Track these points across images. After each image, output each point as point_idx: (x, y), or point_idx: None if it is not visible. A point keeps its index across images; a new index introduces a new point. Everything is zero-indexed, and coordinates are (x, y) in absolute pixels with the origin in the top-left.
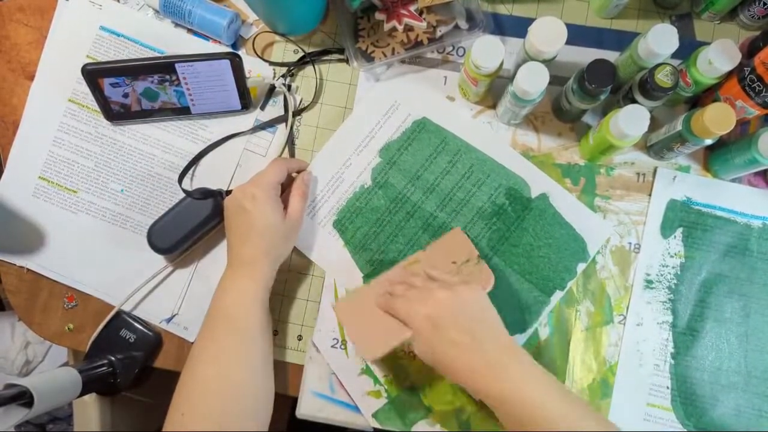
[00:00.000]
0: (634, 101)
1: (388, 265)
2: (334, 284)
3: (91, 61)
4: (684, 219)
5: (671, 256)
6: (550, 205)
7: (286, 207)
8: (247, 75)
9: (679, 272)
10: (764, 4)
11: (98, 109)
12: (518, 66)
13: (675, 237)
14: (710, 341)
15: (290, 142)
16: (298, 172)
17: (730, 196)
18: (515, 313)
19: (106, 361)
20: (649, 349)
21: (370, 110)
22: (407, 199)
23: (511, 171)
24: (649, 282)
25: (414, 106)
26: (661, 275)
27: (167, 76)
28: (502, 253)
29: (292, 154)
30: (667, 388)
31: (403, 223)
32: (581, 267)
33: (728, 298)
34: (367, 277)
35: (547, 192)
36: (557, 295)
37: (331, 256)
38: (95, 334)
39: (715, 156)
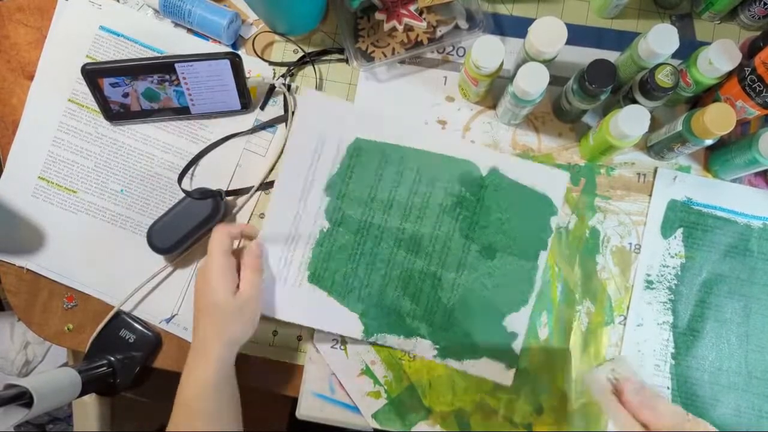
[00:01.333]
0: (634, 101)
1: (376, 296)
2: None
3: (90, 61)
4: (684, 219)
5: (672, 257)
6: (503, 177)
7: None
8: (247, 75)
9: (679, 272)
10: (764, 4)
11: (98, 109)
12: (518, 66)
13: (675, 237)
14: (711, 342)
15: None
16: (249, 237)
17: (731, 197)
18: (511, 289)
19: (105, 362)
20: (650, 350)
21: (298, 155)
22: (370, 225)
23: (456, 158)
24: (650, 282)
25: (340, 131)
26: (662, 276)
27: (167, 76)
28: (477, 238)
29: None
30: (668, 388)
31: (376, 249)
32: (554, 221)
33: (729, 298)
34: (363, 315)
35: (496, 165)
36: (543, 256)
37: (320, 312)
38: (95, 335)
39: (716, 156)
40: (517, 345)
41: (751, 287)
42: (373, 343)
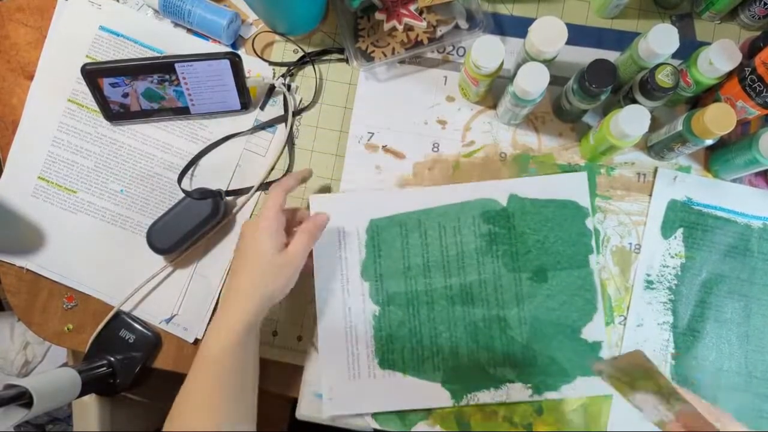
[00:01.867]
0: (634, 101)
1: (451, 359)
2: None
3: (90, 61)
4: (684, 219)
5: (672, 257)
6: (524, 199)
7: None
8: (247, 75)
9: (679, 273)
10: (765, 4)
11: (98, 109)
12: (518, 66)
13: (675, 237)
14: (711, 342)
15: (290, 142)
16: (304, 179)
17: (731, 197)
18: (576, 302)
19: (105, 362)
20: (650, 350)
21: (325, 256)
22: (417, 293)
23: (471, 200)
24: (650, 282)
25: (355, 221)
26: (662, 276)
27: (167, 76)
28: (524, 266)
29: (291, 155)
30: None
31: (432, 314)
32: (590, 222)
33: (729, 298)
34: (446, 382)
35: (512, 190)
36: (593, 258)
37: (403, 393)
38: (95, 335)
39: (716, 156)
40: (605, 353)
41: (751, 287)
42: (466, 405)
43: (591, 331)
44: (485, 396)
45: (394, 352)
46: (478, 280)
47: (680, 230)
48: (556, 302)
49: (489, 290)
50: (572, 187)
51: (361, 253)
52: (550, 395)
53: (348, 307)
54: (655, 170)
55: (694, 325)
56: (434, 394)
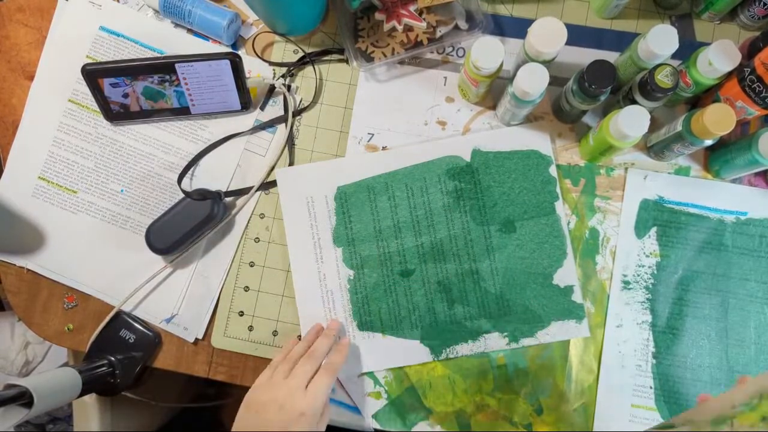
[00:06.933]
0: (634, 102)
1: (428, 316)
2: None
3: (90, 61)
4: (658, 218)
5: (647, 256)
6: (487, 153)
7: None
8: (247, 75)
9: (655, 271)
10: (764, 4)
11: (98, 110)
12: (518, 67)
13: (649, 236)
14: (690, 339)
15: (290, 142)
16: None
17: (703, 193)
18: (546, 249)
19: (105, 362)
20: (630, 350)
21: (296, 225)
22: (389, 254)
23: (435, 159)
24: (627, 283)
25: (322, 189)
26: (638, 275)
27: (167, 77)
28: (491, 219)
29: (291, 155)
30: (651, 387)
31: (406, 273)
32: (553, 170)
33: (706, 294)
34: (424, 339)
35: (475, 145)
36: (558, 205)
37: (384, 353)
38: (95, 335)
39: (716, 156)
40: (577, 296)
41: (727, 282)
42: (446, 359)
43: (562, 276)
44: (463, 348)
45: (371, 313)
46: (448, 236)
47: (654, 229)
48: (526, 251)
49: (460, 245)
50: (534, 139)
51: (331, 220)
52: (526, 341)
53: (323, 273)
54: (626, 170)
55: (673, 323)
56: (414, 352)
